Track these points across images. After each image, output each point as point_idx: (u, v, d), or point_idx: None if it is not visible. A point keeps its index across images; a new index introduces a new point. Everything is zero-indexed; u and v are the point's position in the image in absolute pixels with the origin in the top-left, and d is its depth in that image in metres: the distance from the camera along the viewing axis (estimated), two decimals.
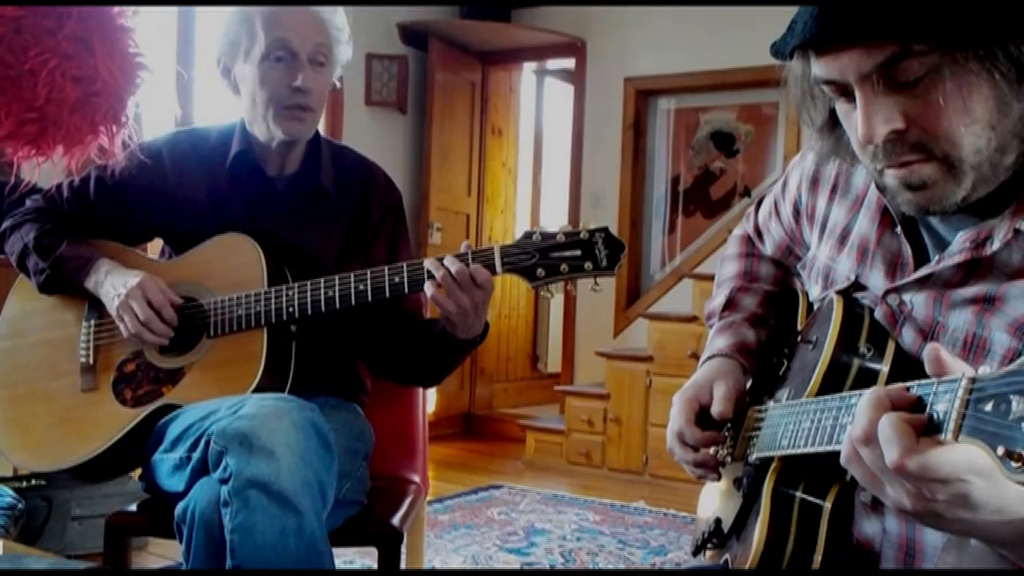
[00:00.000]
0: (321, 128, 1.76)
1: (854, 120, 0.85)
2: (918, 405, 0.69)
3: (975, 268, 0.88)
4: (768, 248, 1.26)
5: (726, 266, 1.31)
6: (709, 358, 1.17)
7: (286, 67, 1.58)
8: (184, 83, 3.47)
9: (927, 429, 0.67)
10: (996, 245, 0.85)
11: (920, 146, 0.83)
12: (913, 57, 0.79)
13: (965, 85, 0.79)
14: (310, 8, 1.61)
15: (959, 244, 0.88)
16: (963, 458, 0.64)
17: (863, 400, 0.71)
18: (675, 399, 1.12)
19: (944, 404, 0.66)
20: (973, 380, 0.64)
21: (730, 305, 1.23)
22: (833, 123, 0.95)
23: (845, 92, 0.86)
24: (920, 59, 0.79)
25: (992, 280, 0.86)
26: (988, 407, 0.62)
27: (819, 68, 0.86)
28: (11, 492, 2.29)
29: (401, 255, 1.72)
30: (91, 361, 1.63)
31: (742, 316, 1.20)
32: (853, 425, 0.71)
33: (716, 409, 1.07)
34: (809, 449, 0.87)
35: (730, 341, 1.17)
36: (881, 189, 0.95)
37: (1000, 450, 0.60)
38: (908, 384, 0.71)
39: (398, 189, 1.79)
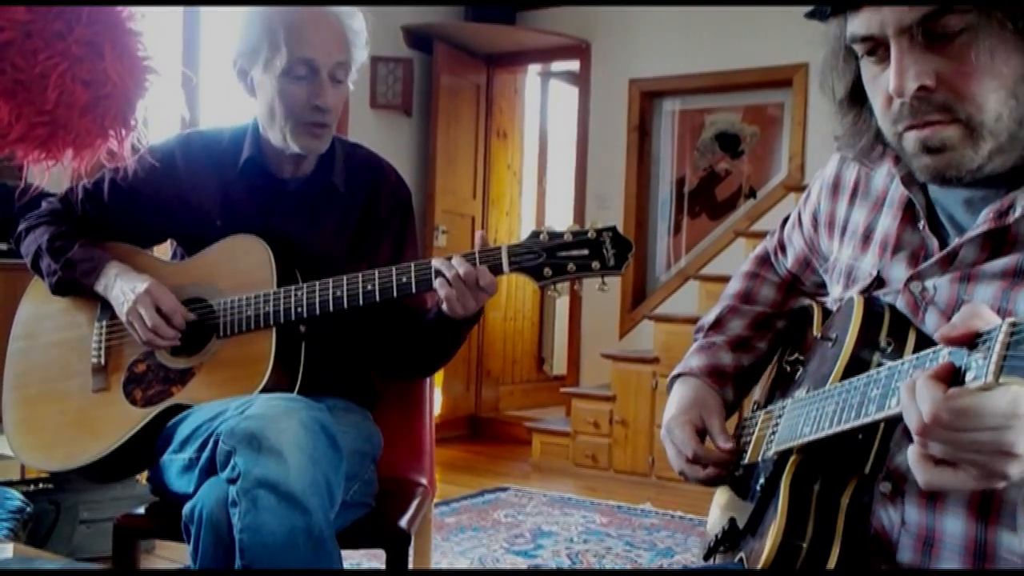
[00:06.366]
0: None
1: (882, 81, 0.88)
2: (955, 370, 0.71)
3: (999, 243, 0.89)
4: (789, 260, 1.27)
5: (732, 282, 1.33)
6: (680, 375, 1.22)
7: (307, 85, 1.57)
8: (191, 86, 3.48)
9: (963, 379, 0.69)
10: (1018, 212, 0.87)
11: (945, 107, 0.85)
12: (954, 13, 0.82)
13: (999, 48, 0.82)
14: (331, 18, 1.58)
15: (983, 217, 0.89)
16: (1006, 400, 0.67)
17: (905, 396, 0.73)
18: (673, 428, 1.15)
19: (982, 352, 0.68)
20: (1014, 324, 0.66)
21: (717, 325, 1.27)
22: (854, 98, 0.97)
23: (876, 52, 0.88)
24: (961, 15, 0.82)
25: (1017, 252, 0.87)
26: None
27: (857, 23, 0.88)
28: (19, 495, 2.30)
29: (407, 253, 1.72)
30: (102, 362, 1.63)
31: (724, 339, 1.24)
32: (908, 418, 0.73)
33: (727, 446, 1.11)
34: (835, 428, 0.87)
35: (703, 363, 1.21)
36: (904, 183, 0.97)
37: None
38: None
39: (408, 187, 1.80)
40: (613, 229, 1.43)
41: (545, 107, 6.42)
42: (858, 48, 0.90)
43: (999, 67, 0.82)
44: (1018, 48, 0.82)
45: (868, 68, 0.91)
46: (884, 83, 0.87)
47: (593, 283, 1.45)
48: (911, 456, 0.75)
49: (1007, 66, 0.82)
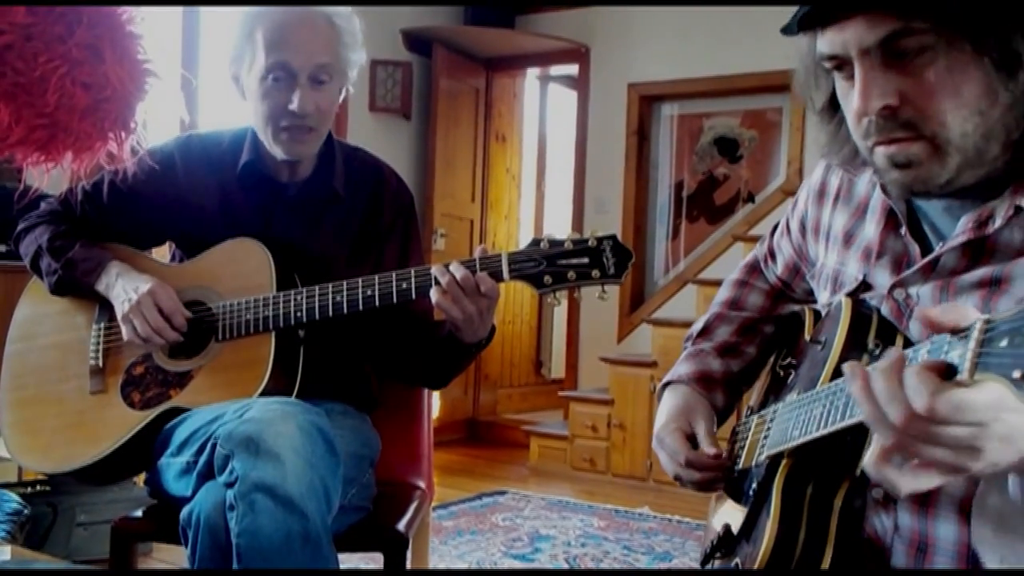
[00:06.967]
0: None
1: (852, 97, 0.89)
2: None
3: (979, 252, 0.90)
4: (779, 267, 1.28)
5: (721, 291, 1.35)
6: (670, 382, 1.23)
7: (284, 87, 1.55)
8: (190, 88, 3.48)
9: (946, 375, 0.69)
10: (998, 223, 0.88)
11: (910, 124, 0.87)
12: (913, 34, 0.84)
13: (958, 67, 0.84)
14: (316, 19, 1.57)
15: (962, 226, 0.90)
16: (992, 396, 0.67)
17: (882, 363, 0.72)
18: (663, 437, 1.16)
19: (960, 349, 0.68)
20: (988, 321, 0.66)
21: (705, 332, 1.28)
22: (833, 107, 0.98)
23: (844, 69, 0.90)
24: (919, 36, 0.84)
25: (996, 262, 0.88)
26: (1003, 343, 0.64)
27: (824, 42, 0.90)
28: (16, 498, 2.30)
29: (413, 256, 1.72)
30: (100, 364, 1.63)
31: (712, 345, 1.25)
32: (875, 384, 0.72)
33: (712, 452, 1.11)
34: (822, 431, 0.87)
35: (691, 369, 1.22)
36: (884, 191, 0.98)
37: (1016, 373, 0.62)
38: (925, 342, 0.73)
39: (410, 190, 1.80)
40: (613, 237, 1.44)
41: (544, 111, 6.43)
42: (827, 65, 0.92)
43: (959, 85, 0.84)
44: (978, 67, 0.84)
45: (840, 83, 0.93)
46: (854, 100, 0.89)
47: (593, 291, 1.45)
48: (882, 474, 0.72)
49: (967, 84, 0.84)
